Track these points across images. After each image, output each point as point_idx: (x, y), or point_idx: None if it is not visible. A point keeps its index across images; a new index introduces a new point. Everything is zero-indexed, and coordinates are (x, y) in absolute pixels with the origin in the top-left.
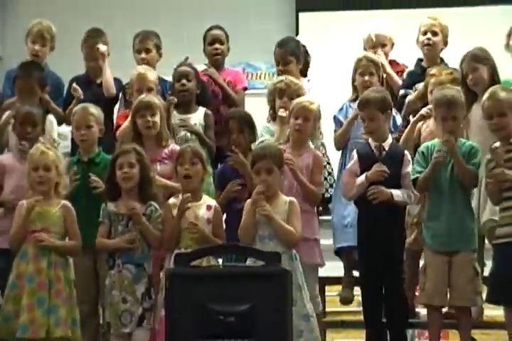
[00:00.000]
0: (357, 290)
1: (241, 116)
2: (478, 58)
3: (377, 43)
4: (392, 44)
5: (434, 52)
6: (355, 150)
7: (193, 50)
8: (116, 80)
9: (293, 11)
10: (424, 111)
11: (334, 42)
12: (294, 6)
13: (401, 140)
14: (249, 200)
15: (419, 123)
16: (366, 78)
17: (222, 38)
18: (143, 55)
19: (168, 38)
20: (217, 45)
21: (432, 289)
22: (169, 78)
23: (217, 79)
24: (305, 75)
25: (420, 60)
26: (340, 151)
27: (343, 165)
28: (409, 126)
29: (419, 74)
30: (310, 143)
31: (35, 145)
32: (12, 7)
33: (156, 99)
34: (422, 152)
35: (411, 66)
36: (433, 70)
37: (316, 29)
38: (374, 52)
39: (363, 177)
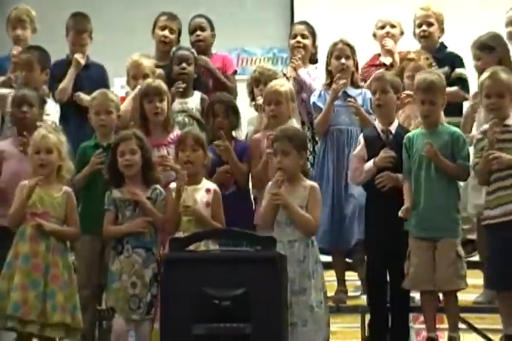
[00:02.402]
0: (353, 275)
1: (228, 101)
2: (484, 46)
3: (387, 22)
4: (402, 32)
5: (432, 42)
6: (361, 135)
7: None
8: (100, 67)
9: None
10: (402, 97)
11: (329, 29)
12: None
13: None
14: (269, 185)
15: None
16: (343, 61)
17: (203, 25)
18: (166, 33)
19: None
20: (198, 32)
21: (415, 275)
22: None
23: (210, 68)
24: (314, 62)
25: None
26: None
27: (324, 152)
28: None
29: None
30: (292, 123)
31: (37, 130)
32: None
33: (164, 85)
34: (405, 144)
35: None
36: (411, 55)
37: (311, 16)
38: (386, 34)
39: (371, 163)
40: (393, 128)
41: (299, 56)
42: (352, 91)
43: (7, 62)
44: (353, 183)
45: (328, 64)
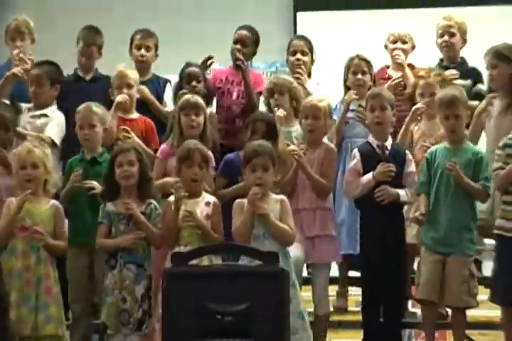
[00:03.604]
0: (354, 290)
1: (270, 122)
2: (501, 55)
3: (398, 38)
4: (413, 46)
5: (454, 52)
6: (356, 149)
7: (192, 48)
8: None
9: (291, 10)
10: (417, 108)
11: (332, 42)
12: (292, 5)
13: (397, 141)
14: (238, 201)
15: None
16: (359, 76)
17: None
18: (142, 52)
19: (166, 36)
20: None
21: (424, 285)
22: (165, 75)
23: (247, 77)
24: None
25: (442, 60)
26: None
27: (339, 164)
28: (403, 127)
29: None
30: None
31: (22, 144)
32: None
33: (201, 101)
34: (427, 159)
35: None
36: (421, 72)
37: (314, 29)
38: (395, 48)
39: (369, 177)
40: (388, 144)
41: (301, 71)
42: None
43: (4, 70)
44: (346, 197)
45: (345, 79)
